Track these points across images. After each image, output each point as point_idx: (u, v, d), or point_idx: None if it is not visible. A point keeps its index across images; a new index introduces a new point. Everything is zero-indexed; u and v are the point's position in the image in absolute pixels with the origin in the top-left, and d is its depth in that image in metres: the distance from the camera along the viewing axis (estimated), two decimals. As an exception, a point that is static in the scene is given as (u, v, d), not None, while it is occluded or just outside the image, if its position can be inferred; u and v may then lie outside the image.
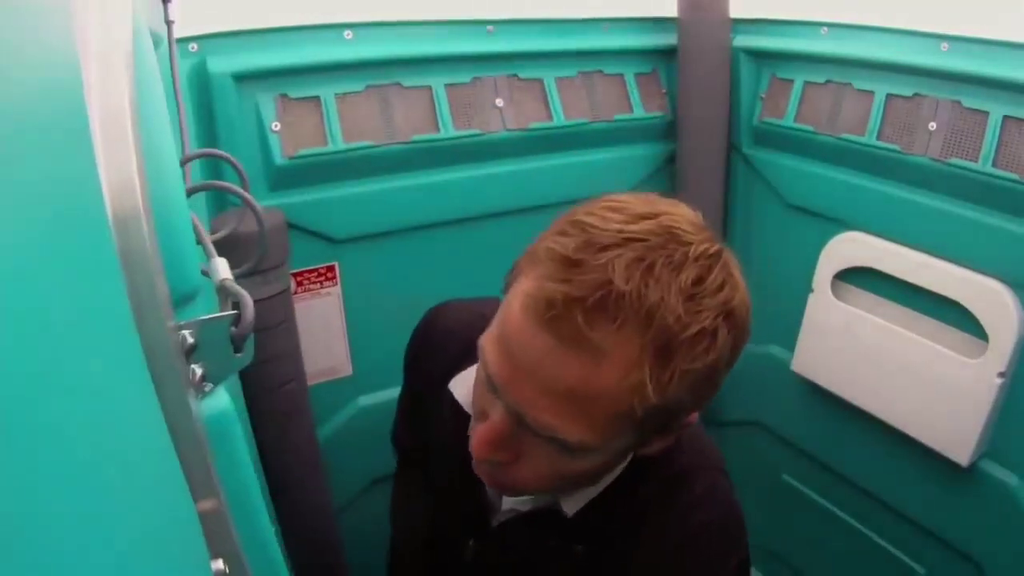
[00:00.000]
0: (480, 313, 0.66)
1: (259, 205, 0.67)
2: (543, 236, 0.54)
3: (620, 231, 0.49)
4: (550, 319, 0.48)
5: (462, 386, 0.70)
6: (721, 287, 0.51)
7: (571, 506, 0.65)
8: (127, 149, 0.30)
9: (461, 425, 0.66)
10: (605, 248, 0.49)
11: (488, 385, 0.55)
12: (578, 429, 0.51)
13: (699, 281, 0.49)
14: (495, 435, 0.55)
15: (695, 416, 0.58)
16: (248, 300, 0.40)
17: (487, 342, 0.54)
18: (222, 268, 0.46)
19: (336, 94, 1.13)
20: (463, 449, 0.59)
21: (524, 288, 0.51)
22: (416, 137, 1.18)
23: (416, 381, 0.83)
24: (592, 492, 0.65)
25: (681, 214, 0.53)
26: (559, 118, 1.28)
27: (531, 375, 0.50)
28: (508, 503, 0.70)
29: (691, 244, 0.50)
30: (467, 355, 0.67)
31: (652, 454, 0.61)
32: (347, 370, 1.28)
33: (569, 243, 0.50)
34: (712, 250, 0.52)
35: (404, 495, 0.90)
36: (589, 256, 0.48)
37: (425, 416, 0.79)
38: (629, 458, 0.63)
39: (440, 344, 0.78)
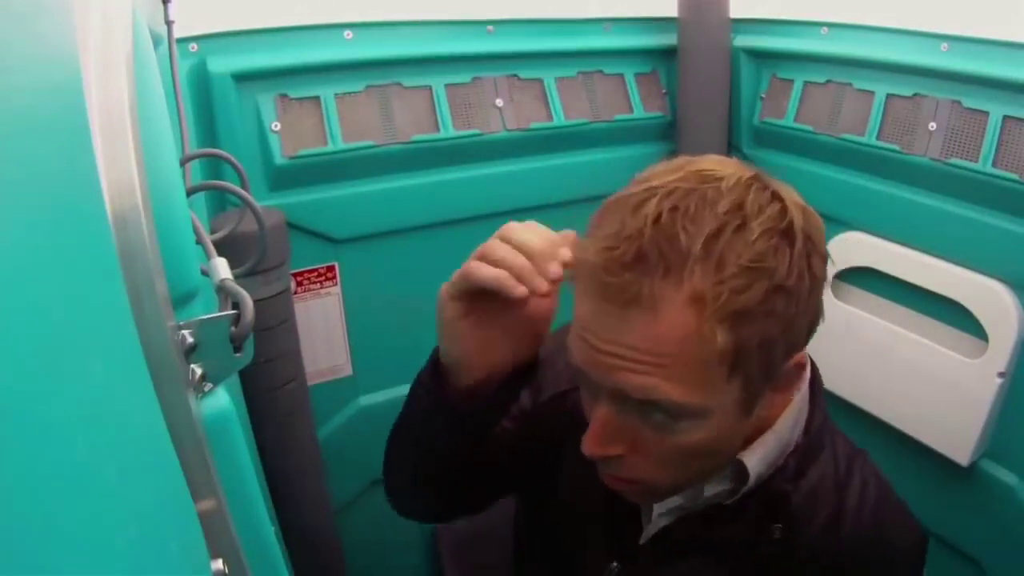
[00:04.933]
0: None
1: (259, 205, 0.67)
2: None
3: (648, 189, 0.50)
4: (603, 288, 0.49)
5: None
6: (762, 208, 0.49)
7: (712, 488, 0.62)
8: (127, 148, 0.30)
9: None
10: (638, 208, 0.49)
11: (583, 382, 0.56)
12: (671, 386, 0.50)
13: (738, 208, 0.48)
14: (601, 427, 0.54)
15: (804, 358, 0.56)
16: (248, 300, 0.40)
17: (570, 340, 0.54)
18: (222, 268, 0.46)
19: (336, 94, 1.13)
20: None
21: (580, 274, 0.52)
22: (416, 137, 1.18)
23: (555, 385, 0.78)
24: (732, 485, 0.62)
25: (708, 159, 0.53)
26: (559, 118, 1.29)
27: (607, 347, 0.50)
28: (656, 518, 0.66)
29: (722, 178, 0.50)
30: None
31: (775, 415, 0.60)
32: (347, 370, 1.28)
33: (606, 222, 0.51)
34: (746, 176, 0.51)
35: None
36: (625, 221, 0.49)
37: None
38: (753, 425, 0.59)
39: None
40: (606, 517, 0.68)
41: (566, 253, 0.56)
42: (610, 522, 0.68)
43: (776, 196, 0.51)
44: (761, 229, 0.48)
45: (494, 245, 0.58)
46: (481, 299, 0.59)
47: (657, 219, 0.48)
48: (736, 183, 0.50)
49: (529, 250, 0.56)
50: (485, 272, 0.56)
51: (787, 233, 0.50)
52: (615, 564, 0.68)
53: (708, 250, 0.47)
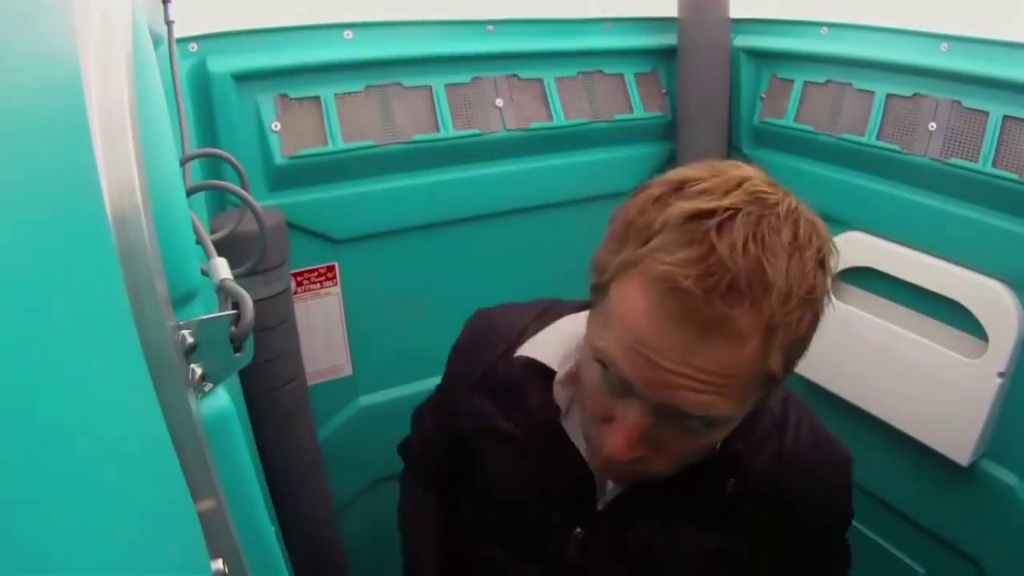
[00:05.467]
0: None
1: (259, 205, 0.67)
2: (629, 230, 0.56)
3: (724, 209, 0.51)
4: (689, 312, 0.50)
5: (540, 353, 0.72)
6: (811, 237, 0.54)
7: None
8: (127, 148, 0.30)
9: (549, 411, 0.68)
10: (722, 231, 0.50)
11: (619, 390, 0.56)
12: (727, 403, 0.53)
13: (795, 238, 0.52)
14: (637, 434, 0.56)
15: None
16: (248, 300, 0.40)
17: (614, 350, 0.54)
18: (222, 268, 0.46)
19: (336, 94, 1.13)
20: (552, 432, 0.65)
21: (645, 287, 0.52)
22: (416, 137, 1.18)
23: (469, 376, 0.79)
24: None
25: (753, 174, 0.56)
26: (559, 118, 1.29)
27: (676, 367, 0.52)
28: (613, 485, 0.68)
29: (777, 204, 0.53)
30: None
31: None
32: (347, 370, 1.28)
33: (679, 236, 0.51)
34: (793, 204, 0.55)
35: (414, 511, 0.89)
36: (713, 245, 0.50)
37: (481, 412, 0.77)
38: None
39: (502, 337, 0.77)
40: (560, 489, 0.70)
41: None
42: (564, 493, 0.70)
43: (814, 226, 0.55)
44: (813, 261, 0.53)
45: None
46: None
47: (745, 247, 0.50)
48: (788, 210, 0.53)
49: None
50: None
51: (823, 264, 0.54)
52: (578, 530, 0.70)
53: (785, 281, 0.50)
